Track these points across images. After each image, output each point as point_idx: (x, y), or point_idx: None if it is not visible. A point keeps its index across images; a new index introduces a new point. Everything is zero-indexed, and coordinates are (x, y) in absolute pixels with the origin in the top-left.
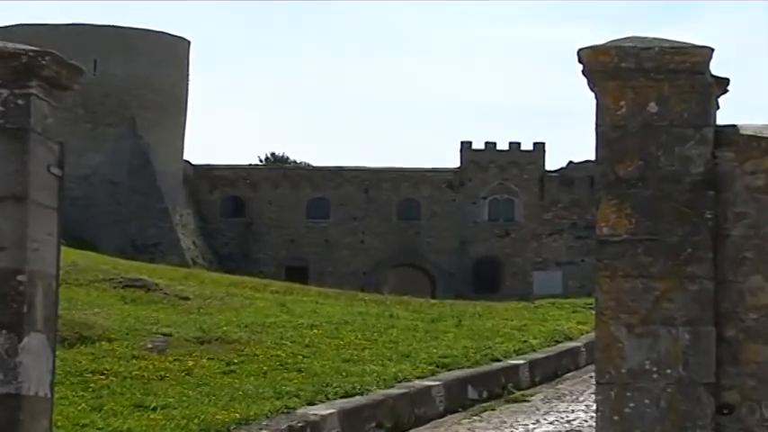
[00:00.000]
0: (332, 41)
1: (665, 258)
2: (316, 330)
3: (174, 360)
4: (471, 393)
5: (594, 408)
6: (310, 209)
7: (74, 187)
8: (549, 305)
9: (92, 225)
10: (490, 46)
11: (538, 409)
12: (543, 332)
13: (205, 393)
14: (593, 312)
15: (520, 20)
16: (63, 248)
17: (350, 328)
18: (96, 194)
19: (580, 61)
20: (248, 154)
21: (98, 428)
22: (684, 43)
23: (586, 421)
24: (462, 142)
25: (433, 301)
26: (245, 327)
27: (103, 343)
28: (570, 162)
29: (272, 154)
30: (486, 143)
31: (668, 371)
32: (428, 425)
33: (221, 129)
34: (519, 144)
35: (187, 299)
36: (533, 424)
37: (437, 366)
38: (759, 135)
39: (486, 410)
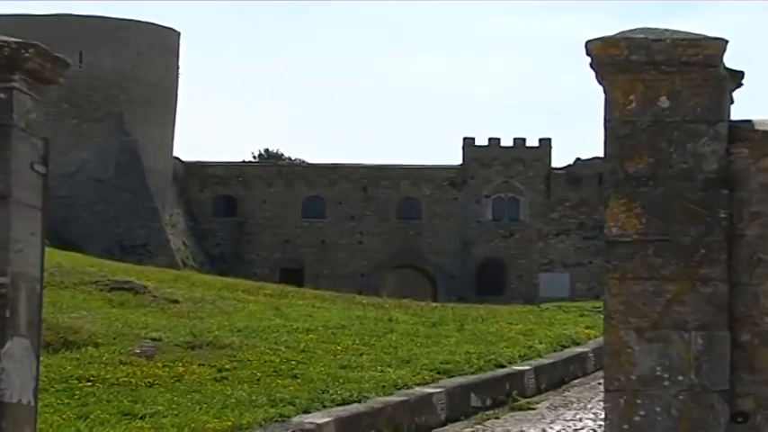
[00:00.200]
0: (329, 33)
1: (677, 260)
2: (311, 335)
3: (164, 366)
4: (474, 401)
5: (603, 416)
6: (306, 208)
7: (58, 185)
8: (556, 309)
9: (77, 225)
10: (493, 38)
11: (544, 418)
12: (549, 337)
13: (196, 401)
14: (602, 316)
15: (525, 11)
16: (47, 249)
17: (347, 333)
18: (82, 193)
19: (588, 54)
20: (241, 150)
21: None
22: (697, 35)
23: (594, 430)
24: (465, 138)
25: (434, 304)
26: (238, 331)
27: (89, 348)
28: (578, 159)
29: (266, 150)
30: (490, 139)
31: (680, 377)
32: None
33: (213, 124)
34: (524, 140)
35: (177, 302)
36: None
37: (438, 373)
38: None
39: (489, 419)
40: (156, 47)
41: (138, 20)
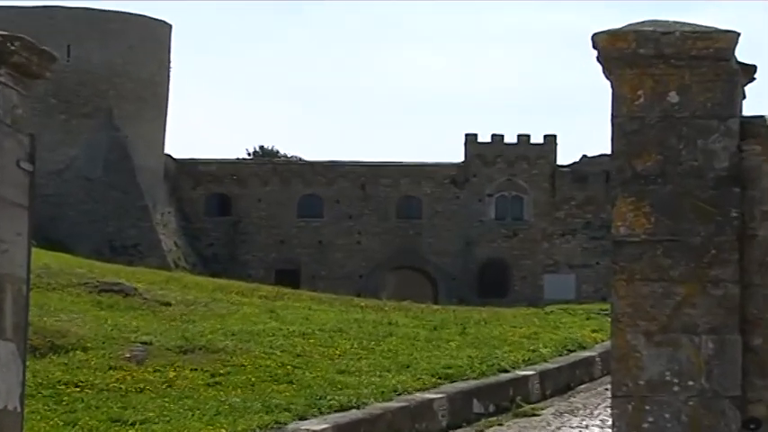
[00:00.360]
0: (326, 26)
1: (687, 261)
2: (308, 339)
3: (155, 371)
4: (477, 407)
5: (610, 423)
6: (302, 207)
7: (46, 183)
8: (561, 311)
9: (65, 224)
10: (497, 31)
11: (549, 425)
12: (555, 341)
13: (188, 407)
14: (609, 319)
15: (529, 3)
16: (34, 250)
17: (345, 337)
18: (70, 191)
19: (595, 47)
20: (235, 147)
21: None
22: (708, 27)
23: None
24: (467, 135)
25: (435, 306)
26: (232, 335)
27: (78, 352)
28: (584, 156)
29: (261, 147)
30: (493, 136)
31: (690, 383)
32: None
33: (206, 120)
34: (528, 137)
35: (168, 305)
36: None
37: (439, 378)
38: None
39: (492, 425)
40: (147, 40)
41: (129, 12)
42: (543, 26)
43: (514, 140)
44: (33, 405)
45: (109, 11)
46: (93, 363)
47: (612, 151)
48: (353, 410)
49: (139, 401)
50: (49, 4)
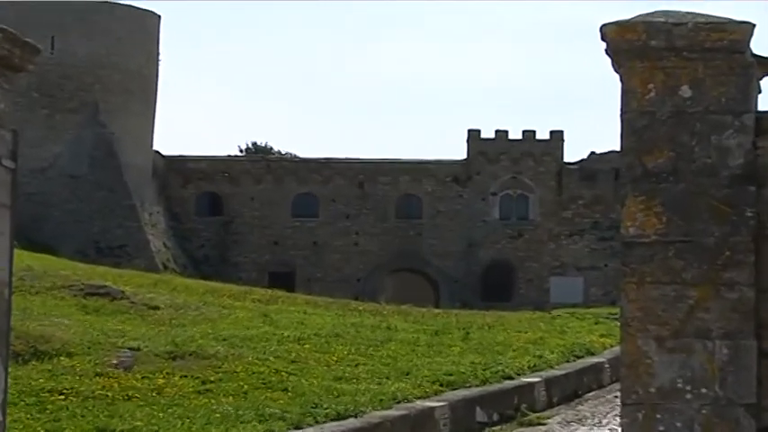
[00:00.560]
0: (321, 18)
1: (700, 262)
2: (303, 344)
3: (143, 378)
4: (480, 416)
5: None
6: (297, 206)
7: (28, 182)
8: (569, 315)
9: (49, 225)
10: (501, 23)
11: None
12: (561, 346)
13: (177, 415)
14: (618, 324)
15: None
16: (16, 251)
17: (342, 342)
18: (54, 190)
19: (603, 39)
20: (226, 144)
21: None
22: (721, 18)
23: None
24: (469, 131)
25: (436, 310)
26: (223, 340)
27: (62, 358)
28: (592, 153)
29: (254, 144)
30: (497, 131)
31: (703, 390)
32: None
33: (196, 115)
34: (534, 133)
35: (157, 308)
36: None
37: (441, 385)
38: None
39: None
40: (135, 31)
41: (115, 2)
42: (550, 17)
43: (519, 136)
44: (16, 413)
45: (95, 1)
46: (78, 369)
47: (622, 148)
48: (351, 419)
49: (127, 410)
50: None
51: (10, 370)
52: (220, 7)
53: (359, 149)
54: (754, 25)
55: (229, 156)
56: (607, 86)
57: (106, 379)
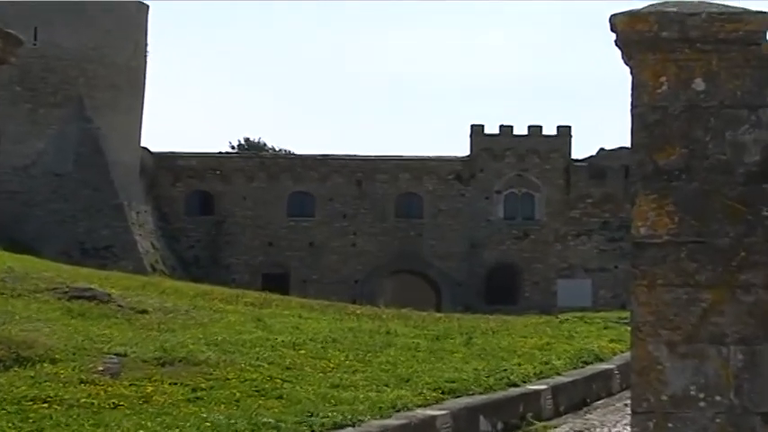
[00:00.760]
0: (318, 8)
1: (714, 264)
2: (298, 350)
3: (130, 385)
4: (483, 425)
5: None
6: (292, 205)
7: (10, 180)
8: (577, 320)
9: (32, 225)
10: (505, 13)
11: None
12: (569, 352)
13: (166, 425)
14: (629, 328)
15: None
16: None
17: (339, 348)
18: (37, 188)
19: (613, 30)
20: (218, 140)
21: None
22: (736, 8)
23: None
24: (473, 126)
25: (437, 314)
26: (215, 346)
27: (46, 365)
28: (601, 149)
29: (247, 140)
30: (501, 127)
31: (717, 398)
32: None
33: (186, 110)
34: (540, 128)
35: (145, 312)
36: None
37: (443, 392)
38: None
39: None
40: (122, 22)
41: None
42: (557, 7)
43: (525, 132)
44: None
45: None
46: (62, 376)
47: (632, 144)
48: (348, 428)
49: (113, 419)
50: None
51: None
52: None
53: (357, 146)
54: None
55: (221, 152)
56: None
57: (92, 386)
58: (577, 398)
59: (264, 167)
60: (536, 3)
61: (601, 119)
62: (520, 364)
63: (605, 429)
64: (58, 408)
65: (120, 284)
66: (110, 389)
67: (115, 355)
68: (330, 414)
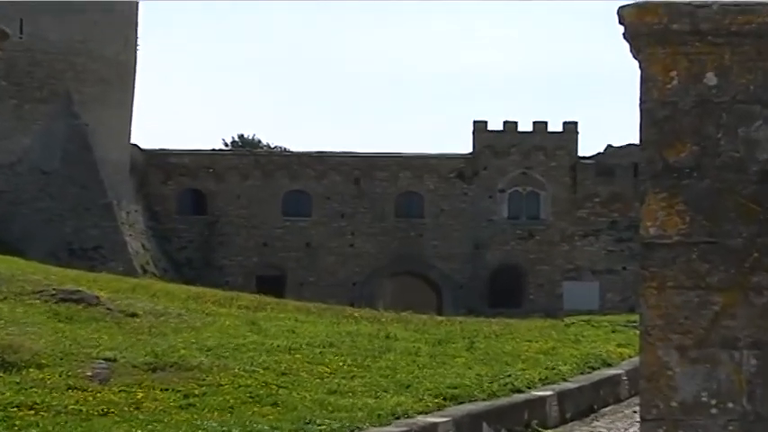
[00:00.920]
0: (314, 1)
1: (726, 265)
2: (294, 355)
3: (120, 391)
4: None
5: None
6: (287, 204)
7: None
8: (583, 323)
9: (17, 224)
10: (509, 6)
11: None
12: (575, 357)
13: None
14: (637, 332)
15: None
16: None
17: (336, 352)
18: (23, 186)
19: (621, 22)
20: (211, 137)
21: None
22: (750, 0)
23: None
24: (475, 122)
25: (439, 318)
26: (208, 350)
27: (32, 370)
28: (609, 146)
29: (241, 137)
30: (505, 123)
31: (730, 404)
32: None
33: (178, 106)
34: (546, 124)
35: (135, 316)
36: None
37: (444, 399)
38: None
39: None
40: (111, 15)
41: None
42: None
43: (530, 128)
44: None
45: None
46: (49, 382)
47: (641, 141)
48: None
49: (103, 426)
50: None
51: None
52: None
53: (355, 143)
54: None
55: (214, 150)
56: (625, 74)
57: (80, 392)
58: (584, 404)
59: (259, 165)
60: None
61: (608, 115)
62: (524, 370)
63: None
64: (45, 414)
65: (109, 287)
66: (99, 395)
67: (104, 360)
68: (327, 421)
